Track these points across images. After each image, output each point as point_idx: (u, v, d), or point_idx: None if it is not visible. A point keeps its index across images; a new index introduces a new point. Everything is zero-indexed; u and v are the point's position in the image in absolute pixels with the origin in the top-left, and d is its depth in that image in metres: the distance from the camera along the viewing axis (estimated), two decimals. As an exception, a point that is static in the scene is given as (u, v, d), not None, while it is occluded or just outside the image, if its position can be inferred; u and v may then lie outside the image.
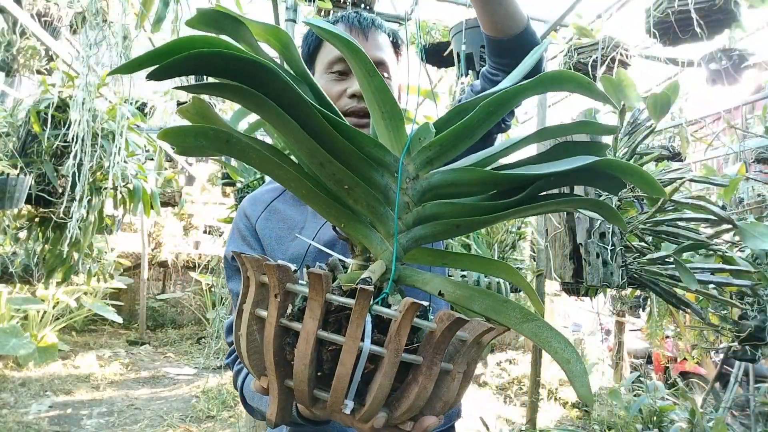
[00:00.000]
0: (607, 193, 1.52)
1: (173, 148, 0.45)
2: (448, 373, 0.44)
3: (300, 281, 0.45)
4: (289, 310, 0.43)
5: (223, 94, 0.40)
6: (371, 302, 0.39)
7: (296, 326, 0.41)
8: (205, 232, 8.18)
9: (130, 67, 0.38)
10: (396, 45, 0.97)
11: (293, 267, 0.49)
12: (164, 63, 0.36)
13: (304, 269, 0.53)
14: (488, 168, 0.48)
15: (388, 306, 0.43)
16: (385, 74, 0.91)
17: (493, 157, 0.49)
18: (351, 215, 0.47)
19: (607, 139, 1.67)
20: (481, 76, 0.94)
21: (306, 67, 0.49)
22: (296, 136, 0.41)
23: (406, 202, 0.47)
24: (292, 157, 0.48)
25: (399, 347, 0.39)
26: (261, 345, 0.44)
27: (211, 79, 0.39)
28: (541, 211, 0.50)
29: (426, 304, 0.43)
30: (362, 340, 0.39)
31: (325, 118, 0.42)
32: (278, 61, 0.52)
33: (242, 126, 1.54)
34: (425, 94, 1.69)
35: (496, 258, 2.32)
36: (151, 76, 0.37)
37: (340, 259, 0.51)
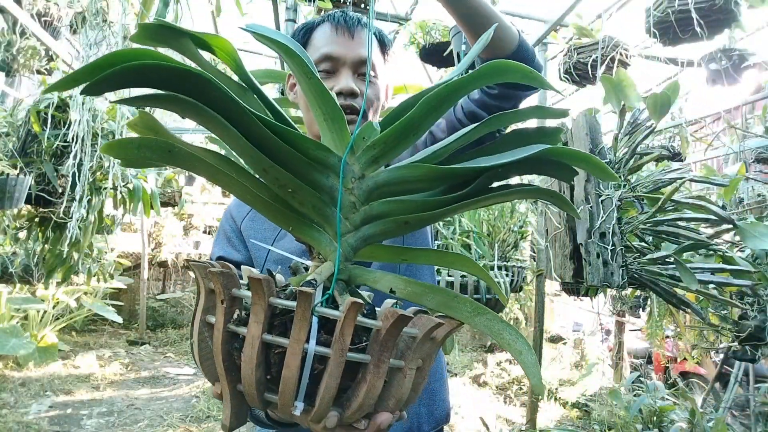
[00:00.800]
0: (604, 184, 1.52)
1: (119, 162, 0.45)
2: (399, 369, 0.45)
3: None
4: (236, 315, 0.43)
5: (161, 105, 0.40)
6: (314, 304, 0.39)
7: (242, 331, 0.41)
8: (204, 232, 8.18)
9: (66, 83, 0.38)
10: (383, 44, 0.96)
11: (256, 271, 0.50)
12: (97, 78, 0.36)
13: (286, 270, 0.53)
14: (437, 162, 0.48)
15: (336, 306, 0.43)
16: (372, 72, 0.91)
17: (446, 149, 0.48)
18: (298, 218, 0.48)
19: (608, 139, 1.67)
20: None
21: (248, 73, 0.48)
22: (238, 143, 0.41)
23: (352, 201, 0.47)
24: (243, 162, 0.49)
25: (344, 347, 0.39)
26: (212, 351, 0.44)
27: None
28: (492, 203, 0.50)
29: (367, 299, 0.43)
30: (308, 341, 0.39)
31: (265, 124, 0.42)
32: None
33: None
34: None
35: (497, 257, 2.31)
36: (85, 91, 0.37)
37: (301, 263, 0.52)
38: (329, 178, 0.47)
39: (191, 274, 7.77)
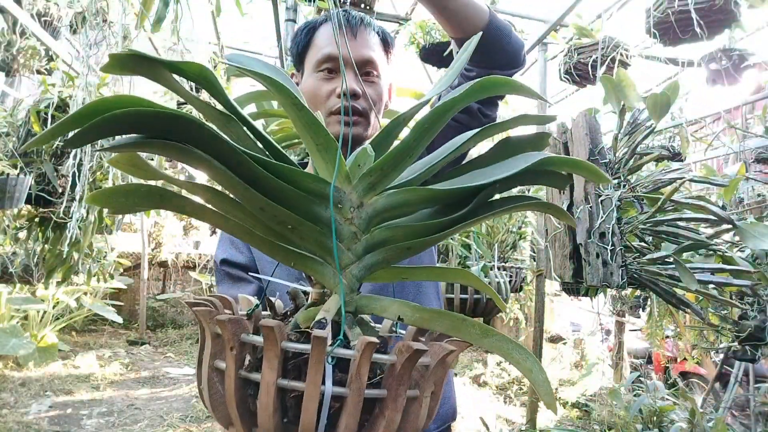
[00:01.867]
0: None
1: (107, 210, 0.44)
2: (415, 399, 0.44)
3: (263, 317, 0.45)
4: (247, 361, 0.43)
5: (150, 150, 0.39)
6: (327, 347, 0.38)
7: (256, 377, 0.41)
8: (214, 232, 8.16)
9: (50, 136, 0.37)
10: (386, 43, 0.95)
11: (255, 302, 0.49)
12: (85, 127, 0.35)
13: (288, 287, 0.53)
14: (435, 171, 0.48)
15: (348, 342, 0.42)
16: (374, 72, 0.90)
17: (437, 164, 0.48)
18: (300, 253, 0.47)
19: (608, 139, 1.67)
20: None
21: (231, 100, 0.46)
22: (231, 182, 0.40)
23: (353, 231, 0.47)
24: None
25: (361, 386, 0.39)
26: (224, 397, 0.43)
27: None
28: (493, 216, 0.50)
29: (379, 338, 0.42)
30: (323, 382, 0.38)
31: (258, 162, 0.41)
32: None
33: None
34: (417, 98, 1.69)
35: (496, 257, 2.32)
36: (68, 144, 0.37)
37: (301, 289, 0.51)
38: (328, 209, 0.46)
39: (191, 274, 7.78)
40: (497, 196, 0.48)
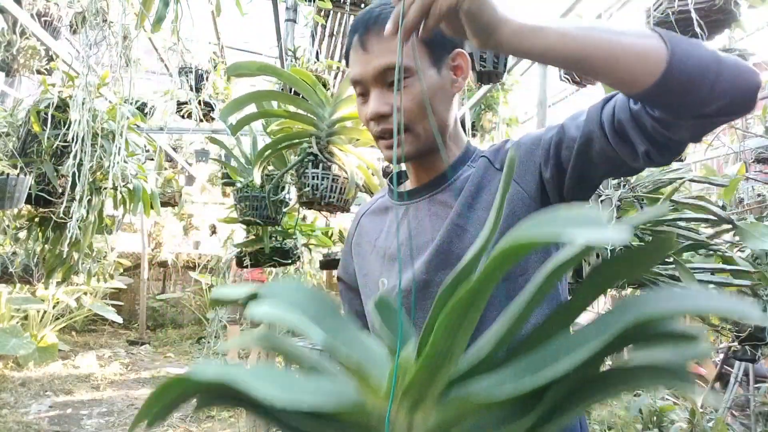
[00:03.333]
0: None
1: None
2: None
3: None
4: None
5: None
6: None
7: None
8: (213, 233, 8.15)
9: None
10: (435, 42, 0.74)
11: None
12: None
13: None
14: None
15: None
16: (407, 78, 0.73)
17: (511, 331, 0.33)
18: None
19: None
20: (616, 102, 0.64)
21: None
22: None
23: None
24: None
25: None
26: None
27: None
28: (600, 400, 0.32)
29: None
30: None
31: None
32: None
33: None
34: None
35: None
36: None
37: None
38: None
39: (191, 274, 7.77)
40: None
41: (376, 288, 0.85)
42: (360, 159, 1.70)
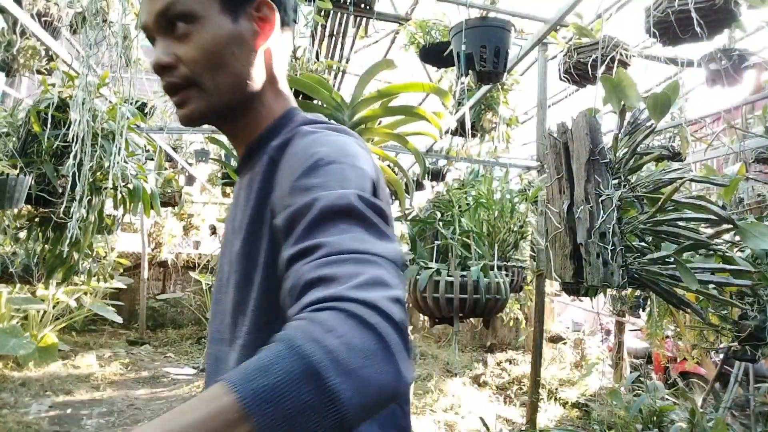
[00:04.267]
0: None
1: None
2: None
3: None
4: None
5: None
6: None
7: None
8: (213, 233, 8.15)
9: None
10: None
11: None
12: None
13: None
14: None
15: None
16: (184, 23, 0.65)
17: None
18: None
19: (608, 139, 1.67)
20: None
21: None
22: None
23: None
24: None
25: None
26: None
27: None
28: None
29: None
30: None
31: None
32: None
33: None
34: (432, 90, 1.66)
35: (496, 257, 2.31)
36: None
37: None
38: None
39: (191, 274, 7.77)
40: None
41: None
42: (381, 156, 1.69)
